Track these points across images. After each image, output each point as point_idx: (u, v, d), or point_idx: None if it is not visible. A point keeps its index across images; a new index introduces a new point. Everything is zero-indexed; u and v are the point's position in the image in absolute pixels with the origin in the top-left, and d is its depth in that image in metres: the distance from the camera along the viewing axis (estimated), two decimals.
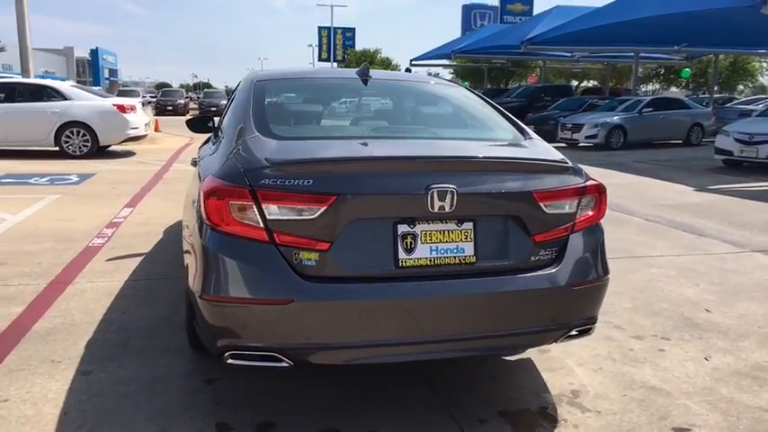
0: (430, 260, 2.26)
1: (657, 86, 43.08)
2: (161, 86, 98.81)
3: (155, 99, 36.17)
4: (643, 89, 43.05)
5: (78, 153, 11.40)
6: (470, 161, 2.40)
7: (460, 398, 2.75)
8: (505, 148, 2.82)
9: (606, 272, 2.61)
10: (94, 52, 58.65)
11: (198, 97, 40.66)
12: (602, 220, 2.68)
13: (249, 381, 2.81)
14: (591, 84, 40.44)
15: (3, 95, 11.38)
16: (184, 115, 34.18)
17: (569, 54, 25.19)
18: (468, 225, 2.31)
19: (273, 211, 2.16)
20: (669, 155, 14.82)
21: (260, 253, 2.17)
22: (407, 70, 43.45)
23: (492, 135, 3.00)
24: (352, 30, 55.48)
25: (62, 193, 7.76)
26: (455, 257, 2.29)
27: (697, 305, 4.08)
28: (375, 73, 3.42)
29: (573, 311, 2.49)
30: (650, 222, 6.85)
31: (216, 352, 2.29)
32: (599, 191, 2.58)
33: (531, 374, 3.01)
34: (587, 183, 2.53)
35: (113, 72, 64.75)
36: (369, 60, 43.68)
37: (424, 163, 2.33)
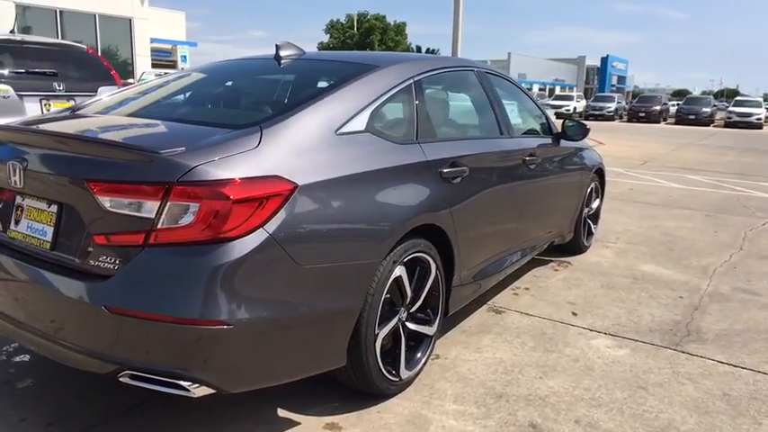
0: (23, 236, 2.20)
1: None
2: (678, 94, 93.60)
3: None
4: None
5: None
6: (35, 134, 2.21)
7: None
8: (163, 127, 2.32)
9: (217, 315, 1.81)
10: (604, 60, 60.43)
11: (677, 104, 37.50)
12: None
13: None
14: None
15: None
16: (657, 123, 32.09)
17: None
18: (54, 208, 2.12)
19: None
20: None
21: None
22: None
23: (251, 117, 2.40)
24: None
25: None
26: (38, 240, 2.14)
27: None
28: (312, 54, 3.11)
29: (126, 345, 1.87)
30: None
31: None
32: (216, 197, 1.82)
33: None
34: (187, 183, 1.82)
35: (621, 79, 65.04)
36: None
37: (7, 134, 2.29)
